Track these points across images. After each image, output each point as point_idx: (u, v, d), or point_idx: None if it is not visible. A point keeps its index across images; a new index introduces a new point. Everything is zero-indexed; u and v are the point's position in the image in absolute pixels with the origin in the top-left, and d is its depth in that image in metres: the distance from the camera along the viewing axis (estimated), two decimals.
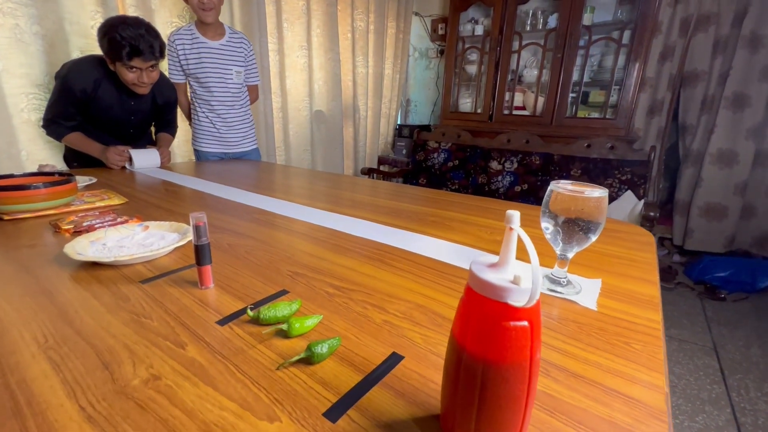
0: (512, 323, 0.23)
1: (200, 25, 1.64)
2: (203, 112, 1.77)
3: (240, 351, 0.40)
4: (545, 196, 0.51)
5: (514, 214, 0.24)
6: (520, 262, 0.26)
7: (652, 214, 1.74)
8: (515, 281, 0.23)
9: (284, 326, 0.42)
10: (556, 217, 0.50)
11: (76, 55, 1.59)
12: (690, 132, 2.52)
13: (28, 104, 1.59)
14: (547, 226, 0.52)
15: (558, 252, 0.54)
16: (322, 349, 0.38)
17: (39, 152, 1.68)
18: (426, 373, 0.37)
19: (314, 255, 0.66)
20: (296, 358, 0.37)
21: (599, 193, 0.48)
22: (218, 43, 1.67)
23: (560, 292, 0.54)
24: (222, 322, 0.45)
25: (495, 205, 1.04)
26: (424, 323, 0.46)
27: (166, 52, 1.64)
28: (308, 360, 0.38)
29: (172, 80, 1.66)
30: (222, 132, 1.81)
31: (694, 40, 2.38)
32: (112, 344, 0.40)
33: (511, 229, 0.24)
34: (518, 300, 0.23)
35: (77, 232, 0.73)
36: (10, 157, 1.57)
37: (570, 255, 0.53)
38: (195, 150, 1.86)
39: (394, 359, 0.39)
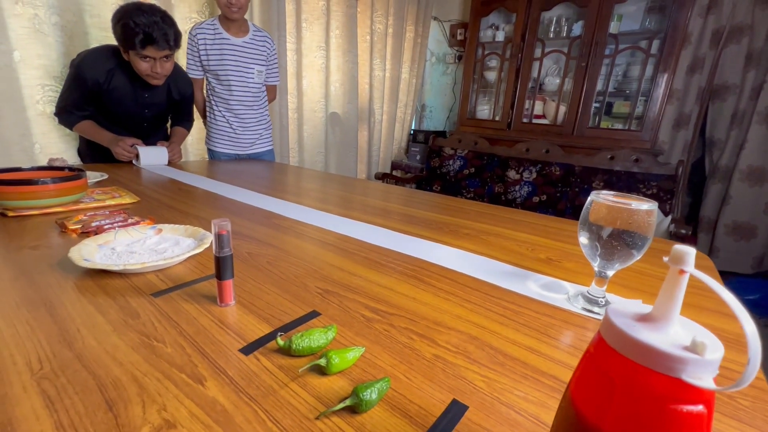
0: (686, 408, 0.17)
1: (224, 20, 1.59)
2: (220, 112, 1.71)
3: (270, 391, 0.33)
4: (584, 207, 0.47)
5: (689, 252, 0.17)
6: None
7: (683, 231, 1.64)
8: (695, 348, 0.16)
9: (322, 361, 0.35)
10: (599, 230, 0.45)
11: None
12: (718, 147, 2.43)
13: (43, 96, 1.56)
14: (584, 240, 0.47)
15: (596, 269, 0.49)
16: (371, 395, 0.31)
17: (53, 146, 1.64)
18: (499, 431, 0.30)
19: (344, 269, 0.59)
20: (340, 405, 0.30)
21: (648, 206, 0.43)
22: (241, 41, 1.62)
23: (598, 313, 0.49)
24: (246, 350, 0.38)
25: (528, 218, 0.96)
26: (482, 361, 0.39)
27: (186, 45, 1.60)
28: (354, 408, 0.31)
29: (190, 75, 1.61)
30: (238, 133, 1.75)
31: (726, 52, 2.30)
32: (117, 375, 0.34)
33: (682, 272, 0.17)
34: (699, 376, 0.16)
35: (85, 233, 0.67)
36: (23, 149, 1.53)
37: (610, 273, 0.49)
38: (208, 149, 1.81)
39: (457, 409, 0.32)
